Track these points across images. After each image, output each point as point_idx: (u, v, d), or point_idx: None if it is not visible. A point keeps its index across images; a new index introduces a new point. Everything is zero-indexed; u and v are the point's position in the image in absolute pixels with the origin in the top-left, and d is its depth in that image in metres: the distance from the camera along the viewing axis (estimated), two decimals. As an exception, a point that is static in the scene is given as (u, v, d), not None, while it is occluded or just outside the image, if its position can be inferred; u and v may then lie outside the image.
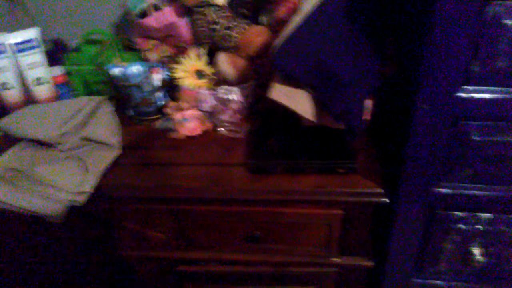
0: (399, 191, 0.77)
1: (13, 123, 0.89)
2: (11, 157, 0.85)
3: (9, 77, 1.01)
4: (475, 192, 0.75)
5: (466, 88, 0.63)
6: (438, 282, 0.89)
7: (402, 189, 0.76)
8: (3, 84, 1.01)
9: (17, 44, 0.98)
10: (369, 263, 0.89)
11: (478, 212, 0.78)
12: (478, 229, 0.80)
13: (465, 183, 0.74)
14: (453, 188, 0.75)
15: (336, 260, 0.90)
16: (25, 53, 0.99)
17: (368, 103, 0.82)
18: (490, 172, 0.72)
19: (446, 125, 0.67)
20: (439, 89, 0.63)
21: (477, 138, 0.68)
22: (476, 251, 0.82)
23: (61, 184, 0.80)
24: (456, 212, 0.78)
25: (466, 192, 0.75)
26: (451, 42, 0.59)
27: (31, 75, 1.02)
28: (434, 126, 0.67)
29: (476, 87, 0.63)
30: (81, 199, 0.80)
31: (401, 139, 0.73)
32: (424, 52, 0.60)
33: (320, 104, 0.78)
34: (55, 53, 1.19)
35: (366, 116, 0.82)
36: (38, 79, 1.03)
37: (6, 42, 0.98)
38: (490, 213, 0.77)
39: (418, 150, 0.71)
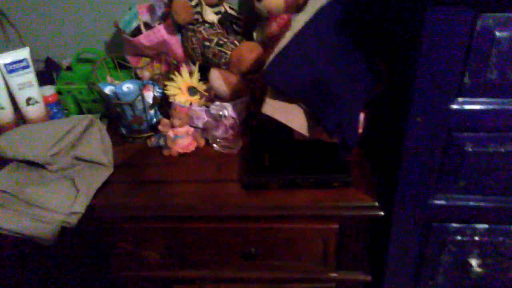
0: (395, 204, 0.76)
1: (3, 144, 0.88)
2: (1, 179, 0.84)
3: (0, 98, 1.00)
4: (471, 203, 0.75)
5: (458, 100, 0.64)
6: (437, 295, 0.89)
7: (397, 202, 0.76)
8: (-6, 104, 1.01)
9: (7, 64, 0.98)
10: (367, 277, 0.89)
11: (474, 223, 0.78)
12: (475, 240, 0.79)
13: (461, 194, 0.74)
14: (448, 200, 0.75)
15: (333, 275, 0.89)
16: (16, 73, 0.99)
17: (361, 117, 0.83)
18: (484, 182, 0.72)
19: (439, 137, 0.67)
20: (432, 102, 0.64)
21: (471, 150, 0.68)
22: (474, 262, 0.82)
23: (52, 205, 0.79)
24: (453, 224, 0.78)
25: (462, 203, 0.75)
26: (443, 54, 0.59)
27: (22, 95, 1.01)
28: (427, 138, 0.67)
29: (468, 99, 0.64)
30: (72, 220, 0.78)
31: (395, 152, 0.73)
32: (416, 65, 0.61)
33: (313, 118, 0.78)
34: (46, 72, 1.18)
35: (359, 129, 0.82)
36: (29, 99, 1.02)
37: (-4, 62, 0.97)
38: (487, 223, 0.77)
39: (412, 163, 0.71)
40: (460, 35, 0.58)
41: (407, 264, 0.85)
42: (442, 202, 0.75)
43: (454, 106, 0.64)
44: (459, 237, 0.79)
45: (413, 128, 0.67)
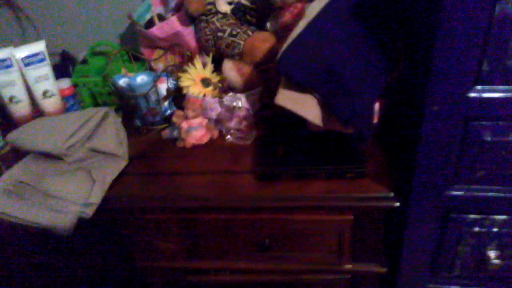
0: (411, 195, 0.75)
1: (21, 137, 0.89)
2: (20, 170, 0.85)
3: (17, 91, 1.02)
4: (489, 194, 0.73)
5: (476, 88, 0.62)
6: (454, 287, 0.87)
7: (413, 193, 0.75)
8: (11, 97, 1.02)
9: (24, 58, 0.99)
10: (382, 269, 0.88)
11: (492, 214, 0.76)
12: (493, 231, 0.78)
13: (479, 185, 0.72)
14: (466, 191, 0.73)
15: (348, 266, 0.88)
16: (32, 66, 1.00)
17: (376, 106, 0.81)
18: (503, 173, 0.70)
19: (457, 126, 0.66)
20: (449, 90, 0.62)
21: (489, 139, 0.66)
22: (492, 254, 0.80)
23: (69, 196, 0.80)
24: (471, 215, 0.77)
25: (480, 194, 0.73)
26: (460, 41, 0.58)
27: (39, 88, 1.03)
28: (445, 127, 0.66)
29: (486, 87, 0.62)
30: (89, 211, 0.79)
31: (411, 142, 0.72)
32: (433, 52, 0.59)
33: (327, 108, 0.77)
34: (62, 65, 1.20)
35: (374, 119, 0.81)
36: (46, 92, 1.03)
37: (13, 56, 0.99)
38: (505, 214, 0.75)
39: (429, 153, 0.69)
40: (479, 21, 0.56)
41: (424, 256, 0.84)
42: (460, 192, 0.74)
43: (472, 94, 0.63)
44: (477, 229, 0.78)
45: (429, 117, 0.65)
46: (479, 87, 0.62)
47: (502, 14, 0.55)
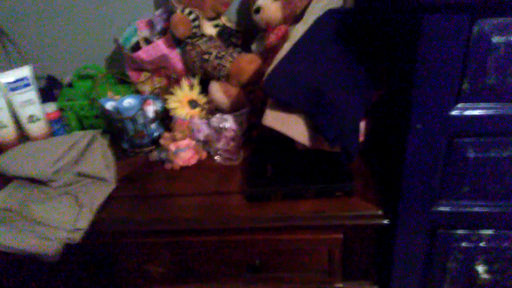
0: (399, 212, 0.76)
1: (6, 162, 0.88)
2: (5, 197, 0.84)
3: (2, 116, 1.01)
4: (476, 209, 0.74)
5: (458, 106, 0.64)
6: (445, 303, 0.88)
7: (401, 210, 0.76)
8: (-4, 123, 1.01)
9: (9, 83, 0.98)
10: (373, 287, 0.88)
11: (479, 229, 0.77)
12: (481, 246, 0.79)
13: (465, 200, 0.74)
14: (453, 206, 0.74)
15: (339, 285, 0.88)
16: (18, 91, 1.00)
17: (361, 125, 0.83)
18: (488, 188, 0.72)
19: (441, 144, 0.67)
20: (431, 108, 0.64)
21: (473, 155, 0.68)
22: (480, 268, 0.81)
23: (55, 222, 0.79)
24: (458, 230, 0.77)
25: (467, 209, 0.74)
26: (440, 61, 0.59)
27: (24, 113, 1.02)
28: (429, 145, 0.67)
29: (468, 105, 0.64)
30: (76, 236, 0.78)
31: (397, 160, 0.73)
32: (414, 73, 0.61)
33: (314, 128, 0.78)
34: (48, 89, 1.19)
35: (360, 137, 0.82)
36: (31, 116, 1.03)
37: (-1, 81, 0.98)
38: (492, 229, 0.77)
39: (414, 170, 0.70)
40: (457, 41, 0.58)
41: (414, 273, 0.84)
42: (447, 208, 0.75)
43: (454, 112, 0.64)
44: (464, 244, 0.79)
45: (413, 135, 0.67)
46: (460, 105, 0.64)
47: (480, 34, 0.57)
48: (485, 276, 0.81)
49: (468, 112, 0.64)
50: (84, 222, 0.79)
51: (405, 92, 0.66)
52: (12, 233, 0.79)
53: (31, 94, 1.02)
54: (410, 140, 0.67)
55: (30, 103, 1.02)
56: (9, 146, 1.01)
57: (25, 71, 1.00)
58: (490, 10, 0.56)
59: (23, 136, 1.05)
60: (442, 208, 0.75)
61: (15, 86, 0.99)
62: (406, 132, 0.67)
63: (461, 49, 0.59)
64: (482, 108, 0.64)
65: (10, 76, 0.99)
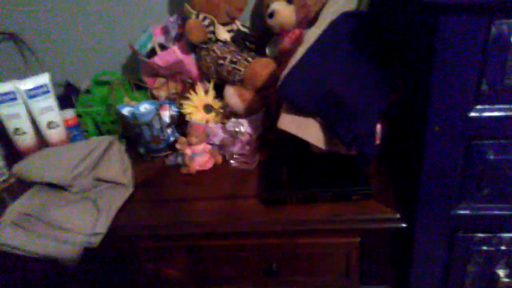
0: (417, 215, 0.75)
1: (26, 168, 0.90)
2: (25, 202, 0.86)
3: (22, 123, 1.03)
4: (495, 212, 0.73)
5: (476, 108, 0.63)
6: (465, 307, 0.86)
7: (419, 213, 0.75)
8: (16, 129, 1.03)
9: (28, 90, 1.00)
10: (392, 292, 0.87)
11: (500, 233, 0.76)
12: (502, 249, 0.77)
13: (485, 203, 0.72)
14: (472, 209, 0.73)
15: (357, 290, 0.87)
16: (37, 98, 1.02)
17: (378, 128, 0.82)
18: (508, 190, 0.70)
19: (459, 146, 0.66)
20: (449, 110, 0.63)
21: (492, 157, 0.67)
22: (501, 272, 0.80)
23: (74, 226, 0.80)
24: (478, 234, 0.76)
25: (486, 212, 0.73)
26: (458, 62, 0.59)
27: (43, 119, 1.04)
28: (447, 147, 0.66)
29: (486, 106, 0.63)
30: (95, 240, 0.79)
31: (415, 162, 0.72)
32: (432, 74, 0.60)
33: (329, 131, 0.77)
34: (66, 96, 1.21)
35: (376, 140, 0.82)
36: (50, 123, 1.04)
37: (18, 89, 1.00)
38: (513, 232, 0.75)
39: (433, 173, 0.69)
40: (475, 42, 0.57)
41: (433, 277, 0.83)
42: (466, 211, 0.74)
43: (473, 114, 0.63)
44: (485, 247, 0.77)
45: (431, 137, 0.66)
46: (479, 106, 0.63)
47: (498, 34, 0.57)
48: (506, 280, 0.79)
49: (487, 114, 0.63)
50: (102, 226, 0.80)
51: (422, 94, 0.66)
52: (32, 238, 0.81)
53: (50, 101, 1.03)
54: (428, 143, 0.67)
55: (49, 110, 1.04)
56: (29, 152, 1.02)
57: (43, 78, 1.02)
58: (508, 11, 0.55)
59: (42, 142, 1.07)
60: (461, 211, 0.74)
61: (34, 93, 1.01)
62: (424, 134, 0.66)
63: (479, 50, 0.58)
64: (502, 110, 0.63)
65: (29, 83, 1.01)
